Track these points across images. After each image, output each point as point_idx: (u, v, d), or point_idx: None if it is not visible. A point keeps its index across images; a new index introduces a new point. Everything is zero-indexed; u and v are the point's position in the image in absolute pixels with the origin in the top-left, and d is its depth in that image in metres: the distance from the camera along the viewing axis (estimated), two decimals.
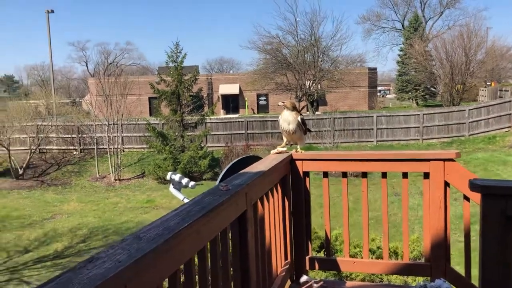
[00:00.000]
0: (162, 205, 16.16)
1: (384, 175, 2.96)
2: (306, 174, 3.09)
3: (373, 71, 44.59)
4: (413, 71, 45.37)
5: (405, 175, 2.92)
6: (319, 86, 34.87)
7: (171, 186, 3.37)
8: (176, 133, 20.81)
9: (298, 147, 3.14)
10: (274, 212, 2.72)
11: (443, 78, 36.10)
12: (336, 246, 5.19)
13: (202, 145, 21.35)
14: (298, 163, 3.05)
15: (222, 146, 23.02)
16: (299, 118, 3.00)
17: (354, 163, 2.98)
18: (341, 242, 5.31)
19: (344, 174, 3.06)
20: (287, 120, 3.01)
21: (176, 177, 3.33)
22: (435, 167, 2.79)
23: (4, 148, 21.28)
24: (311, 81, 33.91)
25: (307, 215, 3.13)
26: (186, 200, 3.28)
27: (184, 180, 3.36)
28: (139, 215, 15.21)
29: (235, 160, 3.12)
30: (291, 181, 3.06)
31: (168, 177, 3.38)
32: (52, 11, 34.97)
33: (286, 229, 2.95)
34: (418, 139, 23.40)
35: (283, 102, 3.03)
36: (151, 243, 1.22)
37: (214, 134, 23.60)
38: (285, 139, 3.12)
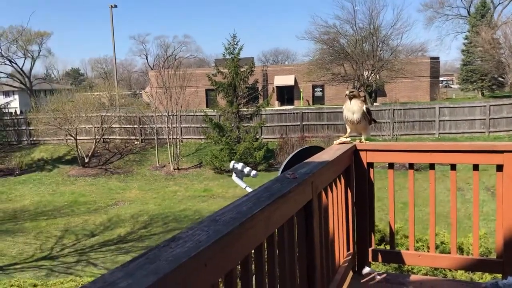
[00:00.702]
0: (218, 195, 16.50)
1: (453, 167, 2.86)
2: (370, 165, 3.05)
3: (435, 60, 42.76)
4: (479, 60, 42.99)
5: (476, 167, 2.81)
6: (377, 77, 33.99)
7: (233, 174, 3.44)
8: (232, 124, 21.09)
9: (363, 137, 3.09)
10: (337, 202, 2.70)
11: None
12: (397, 240, 5.07)
13: (257, 137, 21.51)
14: (362, 153, 3.01)
15: (277, 138, 23.09)
16: (364, 108, 2.96)
17: (421, 154, 2.90)
18: (401, 236, 5.19)
19: (411, 166, 2.98)
20: (352, 109, 2.98)
21: (239, 166, 3.39)
22: (510, 159, 2.65)
23: (71, 138, 22.56)
24: (370, 71, 33.13)
25: (371, 207, 3.09)
26: (248, 189, 3.33)
27: (246, 169, 3.42)
28: (196, 203, 15.62)
29: (298, 149, 3.13)
30: (355, 172, 3.02)
31: (230, 166, 3.45)
32: (115, 6, 36.45)
33: (349, 220, 2.93)
34: (483, 132, 22.27)
35: (351, 92, 2.98)
36: (227, 225, 1.26)
37: (269, 126, 23.69)
38: (349, 129, 3.08)
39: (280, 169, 2.98)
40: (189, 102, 23.53)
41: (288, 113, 24.14)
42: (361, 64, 32.81)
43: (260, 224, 1.48)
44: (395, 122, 21.50)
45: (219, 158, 19.61)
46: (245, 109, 21.53)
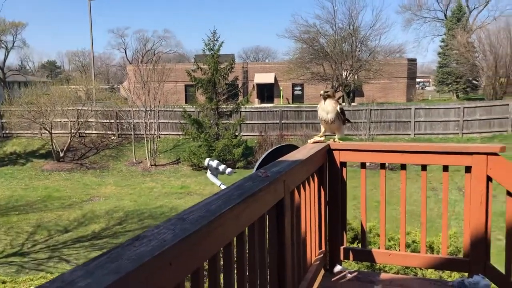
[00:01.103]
0: (196, 192, 16.43)
1: (424, 167, 2.91)
2: (343, 164, 3.08)
3: (412, 62, 43.48)
4: (455, 63, 43.91)
5: (445, 168, 2.87)
6: (356, 77, 34.36)
7: (208, 172, 3.42)
8: (211, 121, 21.01)
9: (336, 137, 3.12)
10: (310, 201, 2.72)
11: (486, 71, 34.80)
12: (369, 238, 5.14)
13: (237, 134, 21.49)
14: (335, 153, 3.04)
15: (256, 135, 23.11)
16: (338, 108, 2.99)
17: (393, 154, 2.94)
18: (374, 235, 5.26)
19: (383, 166, 3.02)
20: (326, 109, 3.00)
21: (214, 163, 3.38)
22: (478, 161, 2.72)
23: (46, 131, 22.11)
24: (348, 72, 33.45)
25: (343, 206, 3.12)
26: (223, 186, 3.32)
27: (221, 167, 3.41)
28: (173, 200, 15.51)
29: (273, 148, 3.14)
30: (328, 171, 3.05)
31: (205, 163, 3.44)
32: None
33: (321, 218, 2.95)
34: (457, 133, 22.76)
35: (326, 92, 3.01)
36: (194, 224, 1.26)
37: (249, 123, 23.69)
38: (323, 129, 3.10)
39: (255, 167, 2.98)
40: (167, 98, 23.33)
41: (268, 111, 24.20)
42: (340, 64, 33.11)
43: (229, 223, 1.48)
44: (372, 122, 21.80)
45: (197, 155, 19.51)
46: (224, 106, 21.46)
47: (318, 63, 34.27)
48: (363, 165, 3.07)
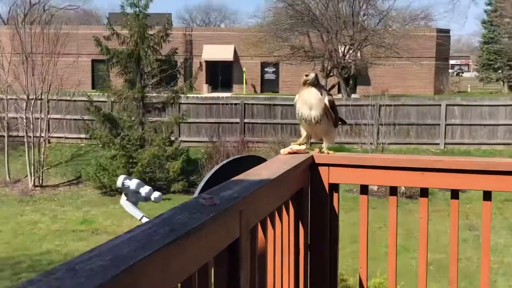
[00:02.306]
0: (106, 229, 16.22)
1: (455, 194, 2.98)
2: (334, 187, 3.12)
3: (444, 34, 44.62)
4: (507, 37, 45.34)
5: (487, 195, 2.94)
6: (358, 55, 34.83)
7: (123, 197, 3.40)
8: (133, 118, 20.83)
9: (324, 145, 3.15)
10: (282, 243, 2.73)
11: None
12: None
13: (173, 139, 21.28)
14: (322, 170, 3.08)
15: (204, 142, 23.08)
16: (326, 100, 3.02)
17: (408, 173, 3.00)
18: None
19: (393, 191, 3.07)
20: (308, 102, 3.03)
21: (132, 183, 3.36)
22: None
23: None
24: (347, 46, 33.86)
25: (333, 251, 3.16)
26: (145, 219, 3.31)
27: (144, 189, 3.40)
28: (69, 242, 15.26)
29: (227, 160, 3.15)
30: (311, 198, 3.08)
31: (119, 184, 3.41)
32: None
33: (299, 270, 2.97)
34: (510, 143, 23.46)
35: (306, 75, 3.04)
36: (91, 279, 1.24)
37: (193, 122, 23.66)
38: (304, 133, 3.13)
39: (197, 190, 2.98)
40: (63, 80, 22.93)
41: (223, 104, 24.24)
42: (335, 35, 33.52)
43: (149, 277, 1.47)
44: (382, 125, 22.14)
45: (109, 171, 19.26)
46: (154, 95, 21.33)
47: (301, 32, 34.57)
48: (364, 189, 3.12)
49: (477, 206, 15.22)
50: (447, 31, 45.45)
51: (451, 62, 64.78)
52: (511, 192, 2.92)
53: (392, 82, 42.48)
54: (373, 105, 22.78)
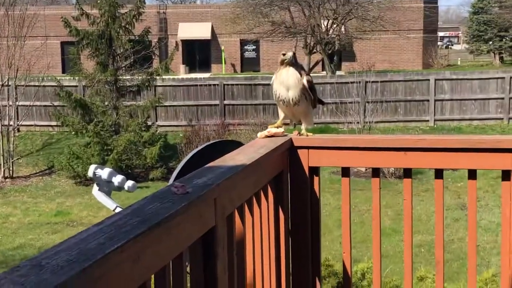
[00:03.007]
0: (82, 220, 16.18)
1: (439, 173, 3.02)
2: (315, 170, 3.13)
3: (432, 5, 44.56)
4: (497, 7, 45.43)
5: (472, 174, 2.98)
6: (342, 29, 34.75)
7: (95, 187, 3.41)
8: (107, 103, 20.73)
9: (303, 127, 3.17)
10: (261, 229, 2.76)
11: None
12: None
13: (149, 123, 21.24)
14: (301, 153, 3.09)
15: (182, 125, 23.10)
16: (304, 80, 3.03)
17: (390, 154, 3.03)
18: (370, 283, 5.41)
19: (376, 172, 3.11)
20: (286, 82, 3.04)
21: (104, 172, 3.36)
22: None
23: None
24: (331, 21, 33.77)
25: (315, 235, 3.18)
26: (118, 210, 3.31)
27: (117, 178, 3.40)
28: (44, 235, 15.22)
29: (200, 147, 3.17)
30: (291, 182, 3.09)
31: (90, 173, 3.42)
32: None
33: (280, 256, 2.99)
34: (501, 118, 23.67)
35: (283, 54, 3.05)
36: (58, 274, 1.25)
37: (170, 105, 23.64)
38: (281, 115, 3.14)
39: (171, 179, 3.00)
40: (32, 64, 22.73)
41: (201, 85, 24.19)
42: (317, 9, 33.40)
43: (119, 270, 1.49)
44: (369, 102, 22.20)
45: (83, 159, 19.16)
46: (128, 78, 21.22)
47: (282, 7, 34.38)
48: (345, 172, 3.15)
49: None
50: (435, 1, 45.44)
51: (440, 34, 64.89)
52: (496, 170, 2.95)
53: (379, 57, 42.51)
54: (359, 82, 22.80)
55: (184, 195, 1.94)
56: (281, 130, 3.12)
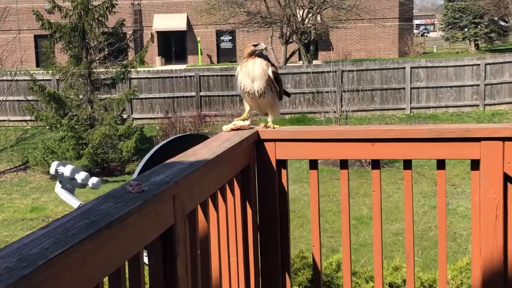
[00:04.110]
0: (57, 216, 16.04)
1: (407, 164, 2.99)
2: (282, 163, 3.10)
3: None
4: None
5: (441, 164, 2.96)
6: (318, 18, 34.82)
7: (58, 185, 3.35)
8: (81, 96, 20.63)
9: (269, 119, 3.14)
10: (228, 225, 2.72)
11: None
12: (337, 280, 5.27)
13: (125, 116, 21.26)
14: (268, 146, 3.06)
15: (158, 118, 23.03)
16: (270, 71, 3.00)
17: (358, 145, 3.00)
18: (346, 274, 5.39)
19: (344, 164, 3.07)
20: (251, 74, 3.02)
21: (66, 170, 3.30)
22: (489, 151, 2.83)
23: None
24: (306, 10, 33.81)
25: (284, 229, 3.15)
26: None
27: (80, 175, 3.34)
28: (19, 232, 15.09)
29: (166, 141, 3.10)
30: (258, 176, 3.06)
31: (52, 171, 3.36)
32: None
33: (248, 251, 2.97)
34: (477, 105, 23.85)
35: (254, 45, 3.02)
36: None
37: (145, 98, 23.57)
38: (247, 107, 3.12)
39: (135, 174, 2.94)
40: (4, 58, 22.53)
41: (177, 77, 24.14)
42: None
43: (65, 274, 1.43)
44: (345, 91, 22.26)
45: (58, 154, 19.03)
46: (103, 71, 21.17)
47: None
48: (313, 164, 3.11)
49: (446, 171, 15.44)
50: None
51: (416, 22, 65.28)
52: (465, 159, 2.93)
53: (355, 46, 42.69)
54: (335, 71, 22.88)
55: (139, 193, 1.88)
56: (247, 122, 3.09)
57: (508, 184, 2.86)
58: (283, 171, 3.12)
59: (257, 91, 3.00)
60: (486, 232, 2.88)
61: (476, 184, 2.91)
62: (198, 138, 3.19)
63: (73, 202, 3.30)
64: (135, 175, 2.95)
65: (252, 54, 3.03)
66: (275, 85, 3.04)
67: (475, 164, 2.90)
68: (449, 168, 14.87)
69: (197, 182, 2.28)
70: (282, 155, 3.07)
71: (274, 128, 3.10)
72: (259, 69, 2.99)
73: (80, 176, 3.33)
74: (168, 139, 3.21)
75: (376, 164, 3.04)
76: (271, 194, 3.09)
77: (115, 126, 19.94)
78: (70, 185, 3.34)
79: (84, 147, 19.32)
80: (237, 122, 3.07)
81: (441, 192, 3.02)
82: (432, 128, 2.95)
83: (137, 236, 1.83)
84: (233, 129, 3.04)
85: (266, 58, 3.07)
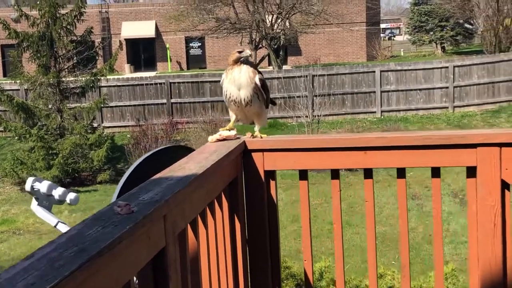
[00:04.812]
0: (28, 228, 15.79)
1: (401, 172, 2.90)
2: (271, 174, 3.00)
3: None
4: None
5: (436, 172, 2.86)
6: (287, 24, 34.88)
7: (33, 202, 3.18)
8: (50, 106, 20.40)
9: (256, 128, 3.03)
10: (217, 241, 2.62)
11: (484, 8, 36.97)
12: None
13: (95, 125, 21.09)
14: (256, 156, 2.95)
15: (129, 126, 22.85)
16: (257, 79, 2.89)
17: (349, 154, 2.90)
18: (329, 283, 5.30)
19: (335, 174, 2.96)
20: (238, 82, 2.90)
21: (43, 186, 3.14)
22: (486, 157, 2.75)
23: None
24: (275, 16, 33.85)
25: (273, 242, 3.06)
26: (62, 227, 3.11)
27: (58, 191, 3.19)
28: None
29: (147, 155, 2.95)
30: (246, 188, 2.96)
31: (27, 188, 3.20)
32: None
33: (238, 267, 2.88)
34: (446, 107, 24.02)
35: (239, 52, 2.90)
36: None
37: (115, 106, 23.38)
38: (233, 116, 3.00)
39: (115, 194, 2.78)
40: None
41: (148, 84, 23.96)
42: (261, 4, 33.43)
43: None
44: (316, 96, 22.25)
45: (27, 165, 18.79)
46: (72, 79, 20.92)
47: (226, 3, 34.31)
48: (303, 174, 3.00)
49: (418, 174, 15.50)
50: None
51: (382, 26, 65.80)
52: (462, 166, 2.84)
53: (324, 51, 42.93)
54: (306, 76, 22.87)
55: (128, 215, 1.74)
56: (233, 132, 2.97)
57: (506, 191, 2.78)
58: (272, 183, 3.02)
59: (244, 100, 2.89)
60: (484, 241, 2.80)
61: (473, 191, 2.83)
62: (180, 150, 3.05)
63: (51, 220, 3.14)
64: (115, 194, 2.79)
65: (237, 61, 2.92)
66: (262, 93, 2.93)
67: (471, 171, 2.82)
68: (420, 172, 14.90)
69: (187, 199, 2.16)
70: (270, 165, 2.96)
71: (261, 137, 2.99)
72: (245, 77, 2.88)
73: (58, 192, 3.18)
74: (148, 153, 3.06)
75: (369, 173, 2.93)
76: (259, 207, 2.99)
77: (86, 135, 19.73)
78: (47, 201, 3.19)
79: (54, 157, 19.07)
80: (223, 132, 2.96)
81: (436, 201, 2.92)
82: (426, 135, 2.86)
83: (129, 262, 1.71)
84: (219, 140, 2.93)
85: (252, 65, 2.96)
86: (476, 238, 2.82)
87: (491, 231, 2.78)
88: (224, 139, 2.93)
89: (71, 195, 3.28)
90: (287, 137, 3.25)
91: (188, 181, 2.15)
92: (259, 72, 2.95)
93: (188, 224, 2.22)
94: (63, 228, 3.12)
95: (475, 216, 2.82)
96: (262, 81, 2.91)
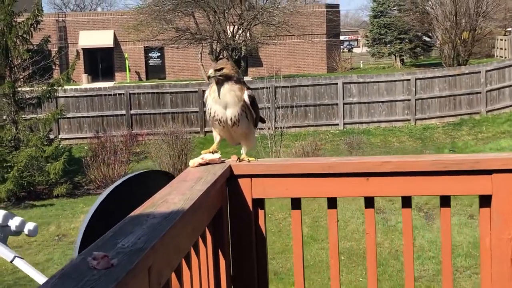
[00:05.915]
0: None
1: (406, 201, 2.60)
2: (259, 203, 2.67)
3: (334, 9, 45.39)
4: (396, 10, 46.65)
5: (445, 201, 2.58)
6: (248, 35, 34.83)
7: None
8: (5, 117, 19.90)
9: (243, 151, 2.71)
10: (200, 284, 2.29)
11: (442, 21, 37.44)
12: None
13: (52, 137, 20.62)
14: (243, 182, 2.62)
15: (87, 137, 22.51)
16: (245, 96, 2.57)
17: (349, 180, 2.60)
18: None
19: (332, 203, 2.63)
20: (223, 99, 2.58)
21: None
22: (502, 185, 2.50)
23: None
24: (236, 26, 33.78)
25: (262, 281, 2.75)
26: (18, 262, 2.73)
27: (14, 221, 2.82)
28: None
29: (116, 183, 2.59)
30: (231, 219, 2.63)
31: None
32: None
33: None
34: (408, 120, 24.10)
35: (219, 70, 2.56)
36: None
37: (73, 117, 23.01)
38: (217, 137, 2.67)
39: (80, 232, 2.41)
40: None
41: (106, 95, 23.62)
42: (223, 15, 33.35)
43: None
44: (279, 108, 22.09)
45: None
46: (28, 90, 20.51)
47: (186, 13, 34.15)
48: (296, 203, 2.68)
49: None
50: (337, 6, 46.58)
51: (342, 37, 66.30)
52: (474, 195, 2.57)
53: (284, 62, 43.00)
54: (269, 88, 22.71)
55: (107, 269, 1.39)
56: (217, 156, 2.63)
57: None
58: (261, 212, 2.69)
59: (230, 119, 2.56)
60: (500, 279, 2.53)
61: (486, 223, 2.55)
62: (158, 176, 2.70)
63: (7, 255, 2.77)
64: (80, 232, 2.42)
65: (214, 79, 2.59)
66: (251, 112, 2.61)
67: (485, 200, 2.56)
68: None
69: (173, 242, 1.80)
70: (259, 193, 2.63)
71: (249, 161, 2.66)
72: (231, 94, 2.56)
73: (14, 222, 2.84)
74: (119, 182, 2.71)
75: (370, 202, 2.62)
76: (246, 240, 2.66)
77: (42, 148, 19.26)
78: (2, 233, 2.81)
79: (9, 170, 18.52)
80: (206, 156, 2.61)
81: (446, 232, 2.62)
82: (436, 160, 2.57)
83: None
84: (201, 164, 2.58)
85: (237, 80, 2.61)
86: (490, 277, 2.55)
87: (508, 268, 2.52)
88: (207, 163, 2.59)
89: (30, 225, 2.92)
90: (278, 160, 2.94)
91: (174, 220, 1.80)
92: (248, 88, 2.62)
93: (173, 272, 1.87)
94: (20, 264, 2.74)
95: (489, 252, 2.55)
96: (252, 98, 2.59)
